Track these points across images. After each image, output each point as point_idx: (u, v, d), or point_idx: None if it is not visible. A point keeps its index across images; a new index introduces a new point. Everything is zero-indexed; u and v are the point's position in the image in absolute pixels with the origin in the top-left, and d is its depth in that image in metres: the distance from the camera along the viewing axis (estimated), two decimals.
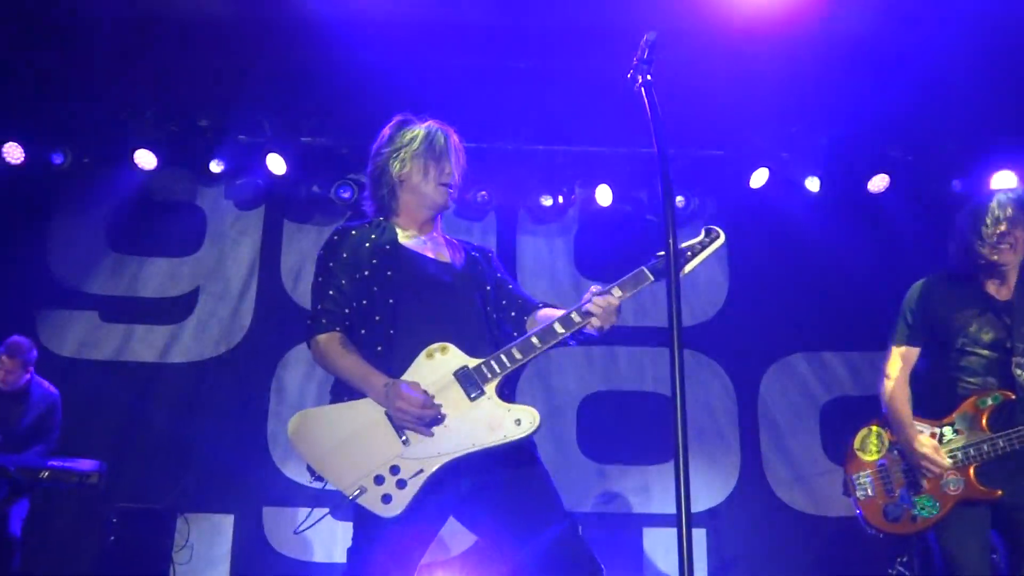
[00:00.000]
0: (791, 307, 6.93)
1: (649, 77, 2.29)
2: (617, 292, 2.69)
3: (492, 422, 2.59)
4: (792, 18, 5.40)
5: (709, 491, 6.60)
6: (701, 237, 2.82)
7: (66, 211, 6.85)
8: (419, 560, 2.68)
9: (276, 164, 6.51)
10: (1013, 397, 3.35)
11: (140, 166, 6.48)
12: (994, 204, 3.41)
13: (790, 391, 6.85)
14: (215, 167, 6.58)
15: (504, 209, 7.07)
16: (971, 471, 3.33)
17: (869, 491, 3.57)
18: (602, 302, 2.65)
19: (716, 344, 6.88)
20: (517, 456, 2.68)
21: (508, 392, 2.74)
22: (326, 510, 2.69)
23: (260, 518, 6.42)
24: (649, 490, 6.62)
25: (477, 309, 2.86)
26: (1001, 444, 3.32)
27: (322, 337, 2.74)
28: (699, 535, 6.45)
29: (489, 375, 2.63)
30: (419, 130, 2.92)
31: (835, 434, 6.57)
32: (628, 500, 6.61)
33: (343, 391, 2.72)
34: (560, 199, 6.80)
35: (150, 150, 6.44)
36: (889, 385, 3.57)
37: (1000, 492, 3.30)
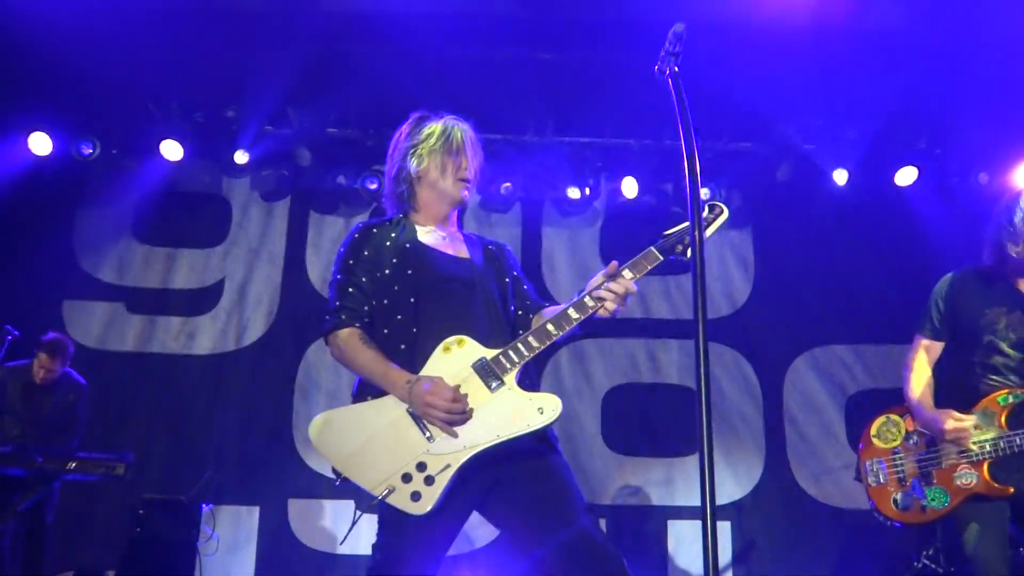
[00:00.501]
0: (817, 300, 6.92)
1: (676, 69, 2.27)
2: (628, 274, 2.66)
3: (515, 412, 2.58)
4: (819, 10, 5.39)
5: (734, 483, 6.60)
6: (705, 213, 2.76)
7: (92, 202, 6.88)
8: (445, 553, 2.66)
9: (302, 155, 6.51)
10: None
11: (166, 157, 6.50)
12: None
13: (815, 384, 6.83)
14: (241, 158, 6.56)
15: (530, 201, 7.07)
16: (985, 466, 3.31)
17: (881, 478, 3.56)
18: (616, 287, 2.64)
19: (741, 337, 6.87)
20: (539, 448, 2.68)
21: (533, 383, 2.74)
22: (358, 513, 2.68)
23: (286, 510, 6.42)
24: (673, 482, 6.61)
25: (496, 303, 2.85)
26: (1017, 441, 3.28)
27: (342, 332, 2.71)
28: (723, 527, 6.44)
29: (508, 365, 2.61)
30: (436, 126, 2.92)
31: (860, 427, 6.48)
32: (652, 492, 6.61)
33: (366, 391, 2.70)
34: (586, 191, 6.79)
35: (176, 141, 6.45)
36: (912, 377, 3.55)
37: (1012, 489, 3.27)
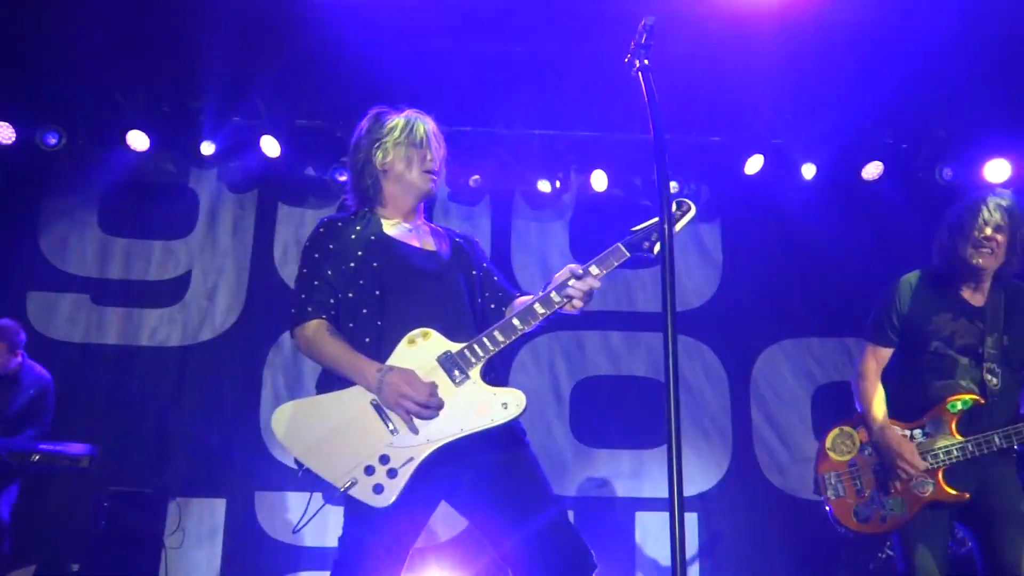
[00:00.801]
0: (784, 293, 6.96)
1: (646, 62, 2.29)
2: (595, 270, 2.71)
3: (479, 406, 2.60)
4: (788, 5, 5.41)
5: (701, 475, 6.63)
6: (672, 210, 2.77)
7: (57, 192, 6.76)
8: (411, 546, 2.69)
9: (270, 146, 6.45)
10: (983, 402, 3.39)
11: (132, 147, 6.41)
12: (984, 208, 3.41)
13: (782, 376, 6.88)
14: (208, 149, 6.47)
15: (499, 194, 7.06)
16: (940, 474, 3.37)
17: (840, 491, 3.61)
18: (582, 283, 2.67)
19: (709, 329, 6.90)
20: (506, 440, 2.70)
21: (501, 376, 2.77)
22: (322, 503, 2.68)
23: (252, 502, 6.38)
24: (641, 474, 6.64)
25: (463, 296, 2.87)
26: (970, 448, 3.35)
27: (309, 324, 2.72)
28: (691, 519, 6.46)
29: (473, 359, 2.64)
30: (398, 119, 2.94)
31: (826, 419, 6.56)
32: (621, 484, 6.64)
33: (330, 383, 2.71)
34: (556, 184, 6.78)
35: (143, 131, 6.36)
36: (864, 384, 3.59)
37: (968, 495, 3.33)
